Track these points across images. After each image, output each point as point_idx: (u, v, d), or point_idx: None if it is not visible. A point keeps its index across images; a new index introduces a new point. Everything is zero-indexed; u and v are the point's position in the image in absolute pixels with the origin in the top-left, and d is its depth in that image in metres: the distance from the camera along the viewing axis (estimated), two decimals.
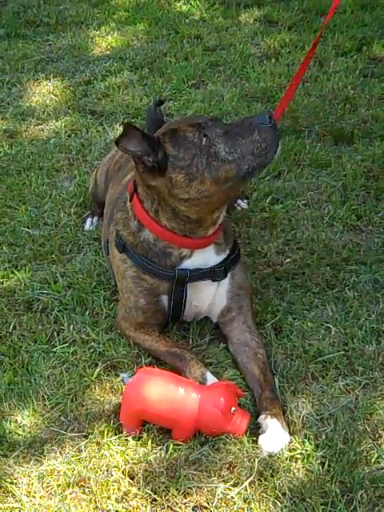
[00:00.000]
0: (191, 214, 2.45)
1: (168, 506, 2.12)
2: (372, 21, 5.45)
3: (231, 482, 2.16)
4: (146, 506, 2.12)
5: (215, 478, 2.18)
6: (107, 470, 2.22)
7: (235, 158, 2.35)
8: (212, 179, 2.35)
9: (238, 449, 2.26)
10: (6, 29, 5.80)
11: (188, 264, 2.57)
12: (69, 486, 2.19)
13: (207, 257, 2.59)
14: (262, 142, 2.35)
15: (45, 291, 3.00)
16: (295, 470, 2.19)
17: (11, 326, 2.83)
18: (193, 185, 2.37)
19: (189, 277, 2.56)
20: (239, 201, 3.48)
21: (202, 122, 2.42)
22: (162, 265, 2.57)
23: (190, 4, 6.02)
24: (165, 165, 2.38)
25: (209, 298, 2.67)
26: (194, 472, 2.20)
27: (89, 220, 3.48)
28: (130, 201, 2.62)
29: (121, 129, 2.39)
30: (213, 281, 2.61)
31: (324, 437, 2.29)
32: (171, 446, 2.28)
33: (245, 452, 2.25)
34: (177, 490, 2.15)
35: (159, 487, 2.16)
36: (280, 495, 2.12)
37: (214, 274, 2.59)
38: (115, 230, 2.71)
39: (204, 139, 2.36)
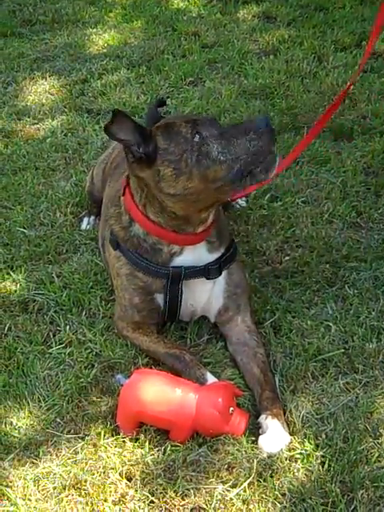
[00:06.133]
0: (177, 210, 2.43)
1: (166, 508, 2.09)
2: (371, 15, 5.40)
3: (230, 483, 2.13)
4: (143, 509, 2.09)
5: (214, 480, 2.15)
6: (104, 472, 2.20)
7: (227, 159, 2.31)
8: (200, 177, 2.32)
9: (237, 449, 2.23)
10: (1, 27, 5.77)
11: (179, 261, 2.54)
12: (65, 489, 2.16)
13: (199, 254, 2.56)
14: (257, 141, 2.30)
15: (41, 292, 2.97)
16: (295, 470, 2.17)
17: (6, 328, 2.79)
18: (180, 180, 2.34)
19: (183, 274, 2.53)
20: (238, 199, 3.45)
21: (197, 119, 2.40)
22: (153, 262, 2.54)
23: (188, 1, 5.99)
24: (154, 157, 2.36)
25: (204, 297, 2.64)
26: (192, 473, 2.17)
27: (85, 219, 3.45)
28: (123, 194, 2.61)
29: (110, 114, 2.35)
30: (207, 279, 2.58)
31: (324, 436, 2.26)
32: (169, 447, 2.26)
33: (243, 452, 2.23)
34: (175, 491, 2.12)
35: (157, 489, 2.13)
36: (279, 496, 2.09)
37: (208, 271, 2.57)
38: (109, 225, 2.69)
39: (197, 136, 2.34)
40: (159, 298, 2.61)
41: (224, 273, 2.62)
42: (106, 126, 2.36)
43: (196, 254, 2.56)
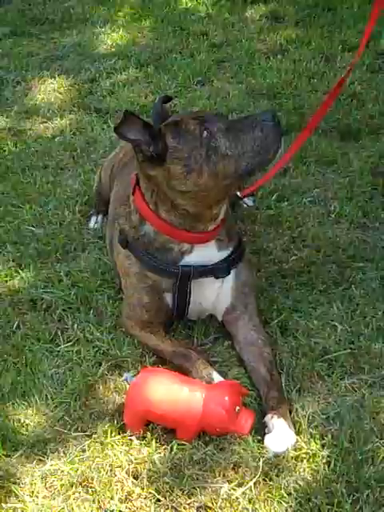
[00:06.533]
0: (189, 207, 2.44)
1: (172, 507, 2.10)
2: (379, 15, 5.39)
3: (236, 482, 2.14)
4: (149, 507, 2.10)
5: (220, 478, 2.16)
6: (111, 470, 2.21)
7: (235, 154, 2.34)
8: (210, 173, 2.34)
9: (243, 448, 2.24)
10: (11, 26, 5.79)
11: (189, 260, 2.55)
12: (72, 486, 2.18)
13: (208, 253, 2.57)
14: (263, 139, 2.33)
15: (49, 290, 2.98)
16: (301, 470, 2.17)
17: (15, 325, 2.81)
18: (190, 177, 2.35)
19: (192, 273, 2.54)
20: (245, 198, 3.45)
21: (204, 116, 2.42)
22: (163, 261, 2.55)
23: (196, 0, 5.99)
24: (164, 155, 2.38)
25: (213, 295, 2.65)
26: (199, 472, 2.18)
27: (93, 218, 3.46)
28: (133, 194, 2.61)
29: (121, 116, 2.37)
30: (216, 278, 2.59)
31: (330, 436, 2.26)
32: (175, 445, 2.26)
33: (250, 452, 2.23)
34: (181, 490, 2.13)
35: (163, 487, 2.14)
36: (285, 495, 2.10)
37: (216, 270, 2.57)
38: (118, 224, 2.70)
39: (205, 132, 2.35)
40: (168, 297, 2.62)
41: (232, 271, 2.63)
42: (115, 127, 2.36)
43: (206, 253, 2.56)
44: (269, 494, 2.10)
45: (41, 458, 2.28)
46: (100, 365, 2.60)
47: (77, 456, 2.27)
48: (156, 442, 2.28)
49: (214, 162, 2.33)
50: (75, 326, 2.79)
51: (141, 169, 2.49)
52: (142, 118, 2.41)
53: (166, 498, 2.12)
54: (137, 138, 2.38)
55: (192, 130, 2.37)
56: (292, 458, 2.20)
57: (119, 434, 2.33)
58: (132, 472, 2.20)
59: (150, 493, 2.13)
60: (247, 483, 2.13)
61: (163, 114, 2.62)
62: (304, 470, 2.17)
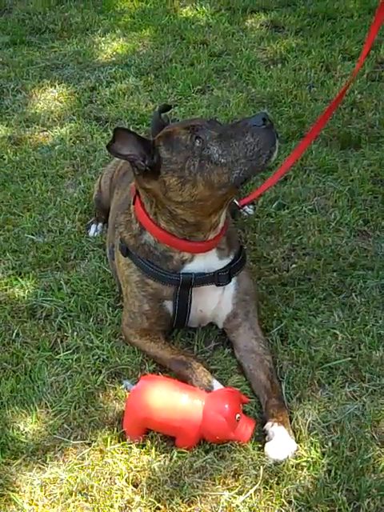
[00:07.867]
0: (188, 217, 2.44)
1: None
2: (379, 24, 5.41)
3: (236, 490, 2.14)
4: None
5: (220, 486, 2.16)
6: (110, 478, 2.21)
7: (228, 162, 2.31)
8: (204, 182, 2.33)
9: (243, 456, 2.24)
10: (11, 36, 5.80)
11: (190, 268, 2.55)
12: (71, 495, 2.17)
13: (209, 261, 2.57)
14: (255, 144, 2.30)
15: (48, 298, 2.98)
16: (301, 478, 2.16)
17: (14, 333, 2.81)
18: (185, 188, 2.35)
19: (193, 281, 2.54)
20: (245, 206, 3.46)
21: (196, 124, 2.40)
22: (164, 269, 2.55)
23: (196, 10, 6.01)
24: (158, 168, 2.37)
25: (214, 303, 2.65)
26: (199, 480, 2.18)
27: (93, 226, 3.47)
28: (133, 203, 2.62)
29: (112, 133, 2.36)
30: (217, 285, 2.58)
31: (330, 444, 2.26)
32: (175, 453, 2.26)
33: (250, 459, 2.23)
34: (181, 498, 2.13)
35: (163, 495, 2.14)
36: (285, 503, 2.09)
37: (217, 278, 2.57)
38: (118, 232, 2.70)
39: (197, 141, 2.34)
40: (168, 305, 2.62)
41: (233, 279, 2.63)
42: (108, 144, 2.36)
43: (207, 261, 2.57)
44: (269, 502, 2.10)
45: (40, 465, 2.28)
46: (100, 373, 2.60)
47: (76, 464, 2.27)
48: (156, 450, 2.28)
49: (208, 171, 2.32)
50: (75, 334, 2.79)
51: (138, 182, 2.50)
52: (135, 132, 2.40)
53: (165, 507, 2.11)
54: (131, 153, 2.37)
55: (184, 140, 2.36)
56: (292, 466, 2.20)
57: (119, 441, 2.32)
58: (132, 480, 2.20)
59: (150, 501, 2.13)
60: (247, 491, 2.13)
61: (162, 123, 2.62)
62: (304, 478, 2.16)
